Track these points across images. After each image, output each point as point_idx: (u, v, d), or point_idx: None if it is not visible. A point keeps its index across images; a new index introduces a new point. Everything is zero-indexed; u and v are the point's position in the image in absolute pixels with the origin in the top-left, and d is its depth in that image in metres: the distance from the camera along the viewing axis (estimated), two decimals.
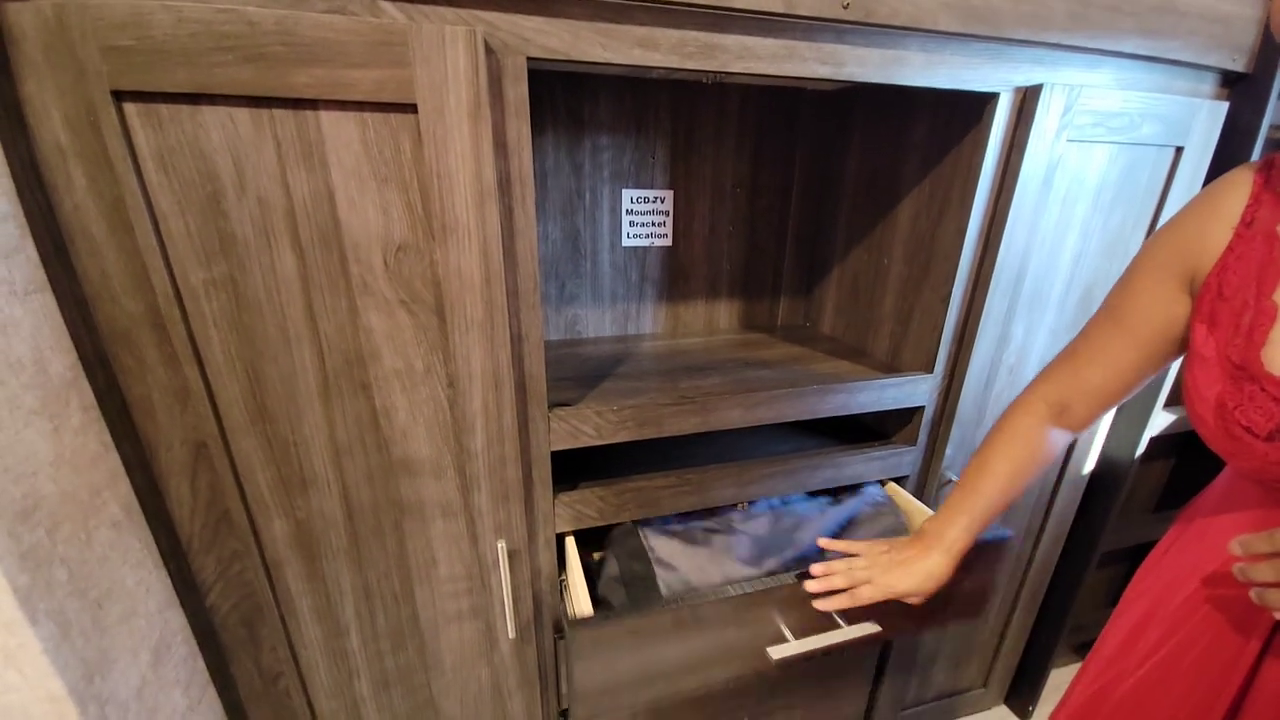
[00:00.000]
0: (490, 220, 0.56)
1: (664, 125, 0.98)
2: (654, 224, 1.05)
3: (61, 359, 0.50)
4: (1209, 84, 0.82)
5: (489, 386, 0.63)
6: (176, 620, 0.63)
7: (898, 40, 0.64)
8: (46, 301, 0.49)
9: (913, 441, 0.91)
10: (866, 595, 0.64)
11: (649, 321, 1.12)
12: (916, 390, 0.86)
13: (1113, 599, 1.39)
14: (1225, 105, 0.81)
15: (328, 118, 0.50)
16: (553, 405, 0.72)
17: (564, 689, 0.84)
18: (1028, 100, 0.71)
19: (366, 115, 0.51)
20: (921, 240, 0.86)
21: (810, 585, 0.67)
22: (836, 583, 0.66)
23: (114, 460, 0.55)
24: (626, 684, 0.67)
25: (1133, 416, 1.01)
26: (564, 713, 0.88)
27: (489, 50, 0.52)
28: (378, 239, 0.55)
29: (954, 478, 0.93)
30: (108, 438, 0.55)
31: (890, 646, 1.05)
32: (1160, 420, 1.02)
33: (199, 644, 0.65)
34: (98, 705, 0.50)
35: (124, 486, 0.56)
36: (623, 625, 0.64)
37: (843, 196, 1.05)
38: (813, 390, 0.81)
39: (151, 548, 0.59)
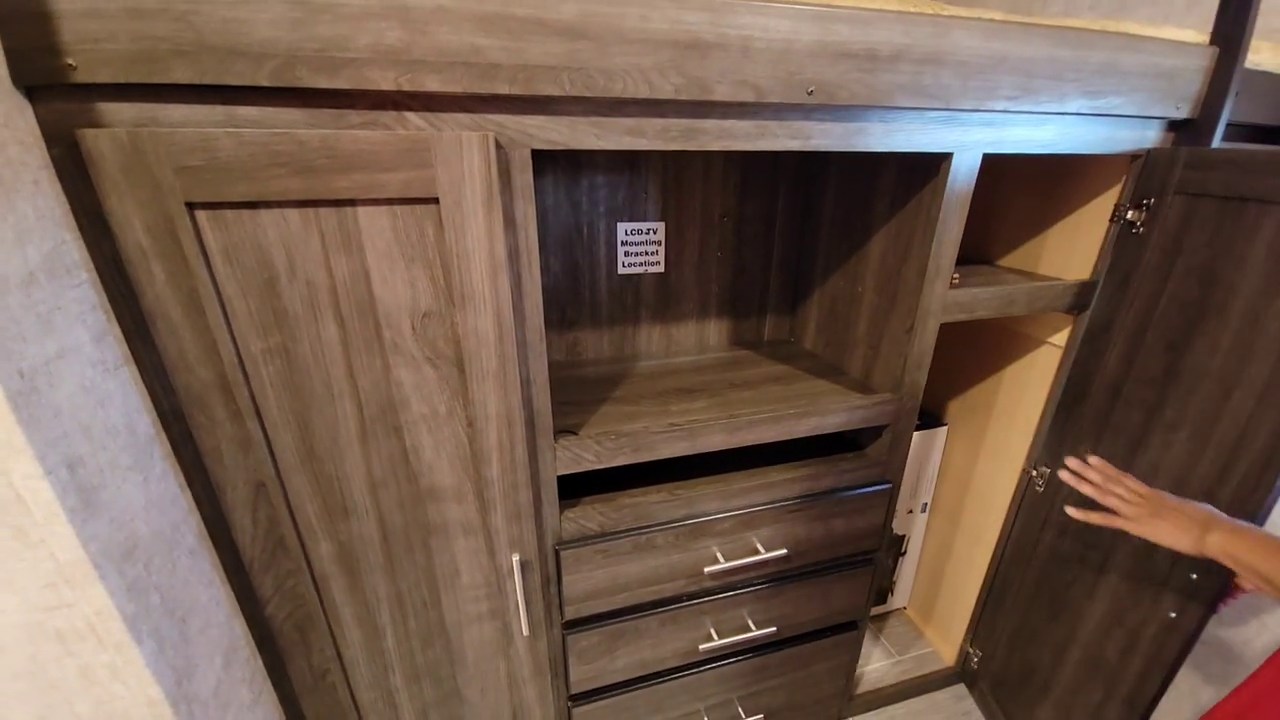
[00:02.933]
0: (502, 287, 0.65)
1: (655, 164, 1.06)
2: (647, 253, 1.14)
3: (145, 420, 0.59)
4: (1154, 130, 0.90)
5: (503, 425, 0.72)
6: (240, 628, 0.73)
7: (858, 114, 0.72)
8: (132, 373, 0.58)
9: (883, 456, 1.01)
10: (1128, 527, 0.69)
11: (644, 342, 1.21)
12: (883, 411, 0.96)
13: None
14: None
15: (364, 212, 0.59)
16: (559, 433, 0.82)
17: (571, 674, 0.96)
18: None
19: (396, 208, 0.59)
20: (890, 274, 0.95)
21: (1088, 472, 0.73)
22: (1111, 501, 0.71)
23: (188, 498, 0.65)
24: (601, 591, 0.91)
25: None
26: (572, 697, 0.99)
27: (499, 146, 0.61)
28: (406, 308, 0.64)
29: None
30: (182, 480, 0.64)
31: None
32: None
33: (258, 647, 0.76)
34: (187, 704, 0.60)
35: (196, 519, 0.66)
36: (594, 546, 0.87)
37: (822, 227, 1.13)
38: (789, 415, 0.90)
39: (219, 569, 0.70)
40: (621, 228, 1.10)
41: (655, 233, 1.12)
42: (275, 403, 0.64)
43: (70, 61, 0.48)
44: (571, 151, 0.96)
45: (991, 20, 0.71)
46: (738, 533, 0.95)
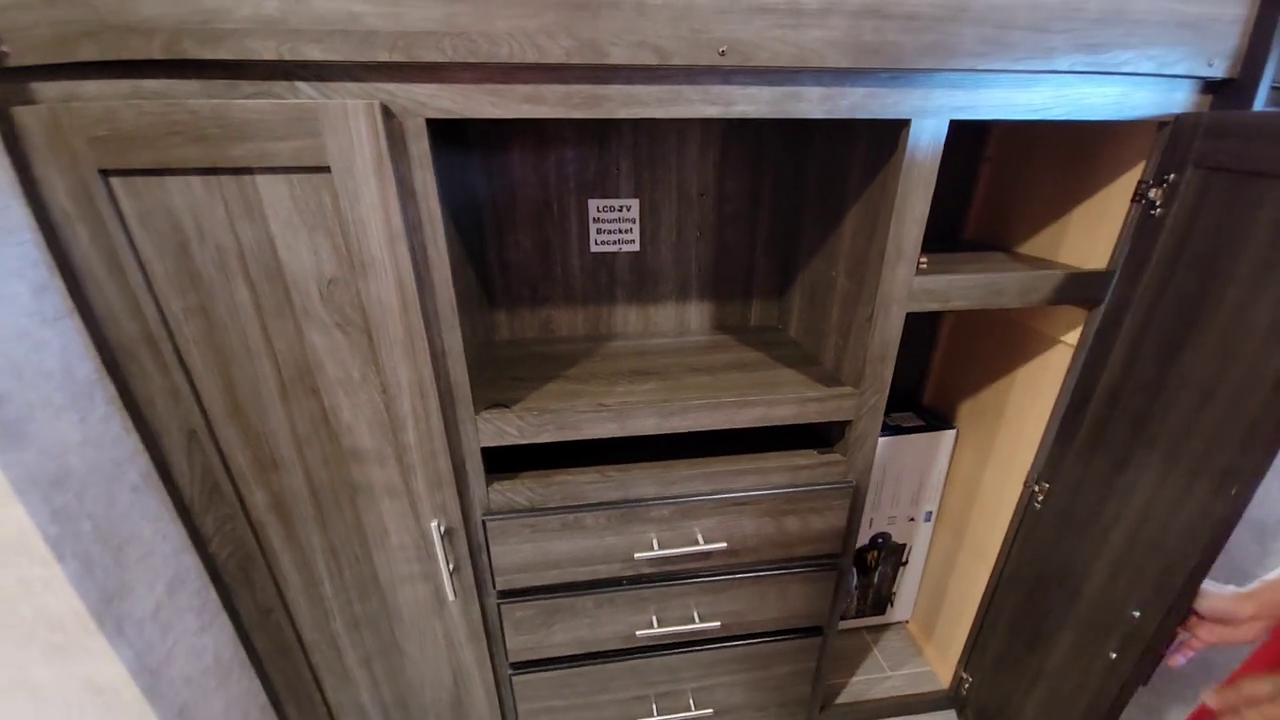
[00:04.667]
0: (402, 256, 0.66)
1: (626, 138, 1.03)
2: (621, 230, 1.11)
3: (86, 366, 0.66)
4: (1184, 92, 0.75)
5: (415, 394, 0.74)
6: (191, 562, 0.81)
7: (787, 78, 0.66)
8: (75, 323, 0.65)
9: (844, 453, 0.94)
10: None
11: (620, 322, 1.19)
12: (842, 405, 0.89)
13: None
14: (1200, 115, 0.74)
15: (262, 180, 0.62)
16: (489, 405, 0.83)
17: (508, 643, 0.98)
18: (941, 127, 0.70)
19: (293, 177, 0.62)
20: (859, 257, 0.87)
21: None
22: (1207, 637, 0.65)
23: (134, 440, 0.72)
24: (531, 565, 0.91)
25: None
26: (512, 665, 1.02)
27: (390, 115, 0.61)
28: (312, 274, 0.67)
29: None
30: (129, 423, 0.72)
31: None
32: None
33: (212, 581, 0.84)
34: (115, 621, 0.68)
35: (143, 460, 0.74)
36: (522, 521, 0.88)
37: (806, 204, 1.05)
38: (729, 402, 0.86)
39: (168, 506, 0.77)
40: (593, 204, 1.08)
41: (629, 210, 1.09)
42: (200, 359, 0.69)
43: (4, 49, 0.53)
44: (495, 122, 0.95)
45: None
46: (676, 521, 0.92)
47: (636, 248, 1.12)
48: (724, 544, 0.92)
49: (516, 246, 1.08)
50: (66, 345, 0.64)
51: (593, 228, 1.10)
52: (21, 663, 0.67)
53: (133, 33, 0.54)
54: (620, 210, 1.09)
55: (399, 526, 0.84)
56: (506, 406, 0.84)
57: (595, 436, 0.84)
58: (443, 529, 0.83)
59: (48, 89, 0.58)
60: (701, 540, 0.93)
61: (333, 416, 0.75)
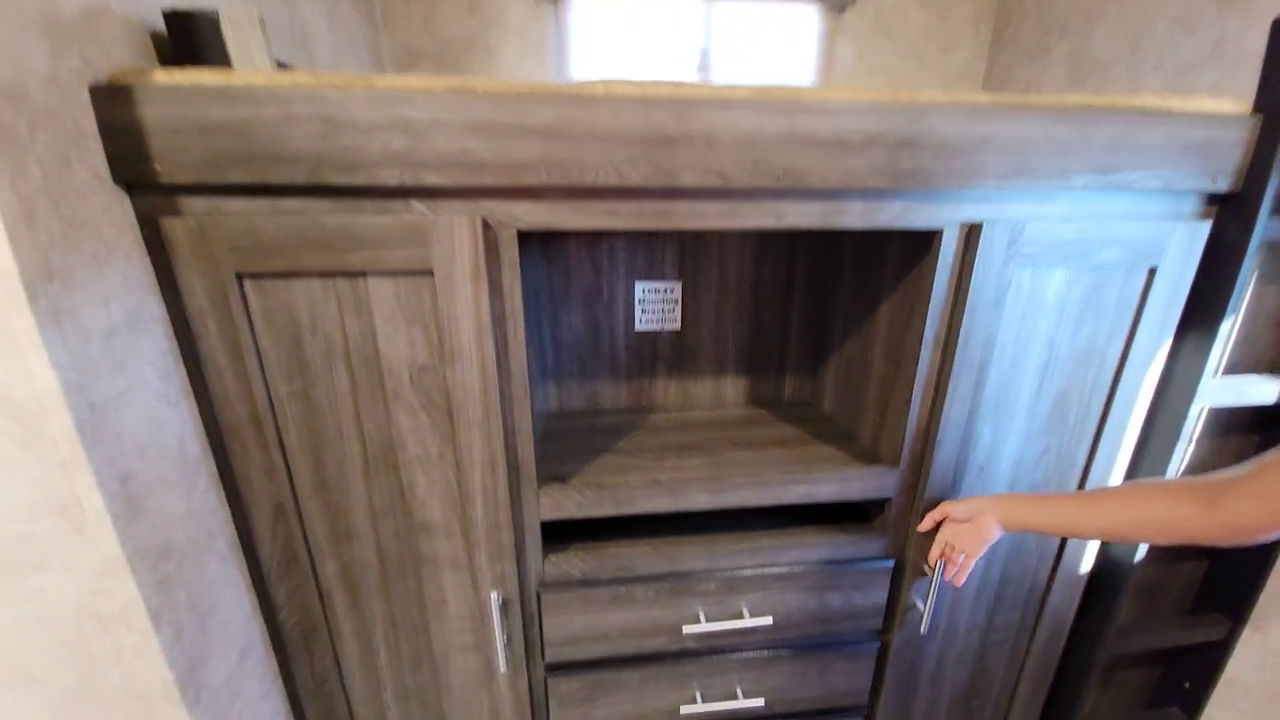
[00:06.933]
0: (486, 347, 0.74)
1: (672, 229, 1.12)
2: (664, 311, 1.19)
3: (195, 444, 0.73)
4: (1189, 204, 0.83)
5: (486, 470, 0.80)
6: (258, 629, 0.84)
7: (835, 194, 0.75)
8: (191, 406, 0.72)
9: (883, 530, 0.97)
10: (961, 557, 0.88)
11: (660, 395, 1.25)
12: (882, 483, 0.93)
13: (1154, 700, 1.31)
14: (1206, 225, 0.82)
15: (373, 281, 0.70)
16: (547, 479, 0.88)
17: (552, 718, 0.98)
18: (972, 234, 0.78)
19: (399, 278, 0.70)
20: (895, 342, 0.94)
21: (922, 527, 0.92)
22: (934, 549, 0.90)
23: (225, 511, 0.78)
24: (581, 637, 0.94)
25: None
26: None
27: (488, 227, 0.70)
28: (405, 362, 0.74)
29: (926, 567, 0.97)
30: (222, 496, 0.77)
31: None
32: None
33: (273, 648, 0.87)
34: (195, 690, 0.71)
35: (230, 530, 0.79)
36: (575, 593, 0.91)
37: (840, 291, 1.13)
38: (776, 480, 0.90)
39: (245, 575, 0.81)
40: (639, 287, 1.16)
41: (672, 292, 1.18)
42: (296, 438, 0.75)
43: (157, 167, 0.63)
44: None
45: (973, 103, 0.72)
46: (722, 595, 0.95)
47: (678, 327, 1.20)
48: (769, 618, 0.94)
49: (569, 325, 1.16)
50: (183, 425, 0.71)
51: (638, 308, 1.18)
52: None
53: (280, 162, 0.64)
54: (664, 292, 1.17)
55: (458, 597, 0.87)
56: (564, 481, 0.89)
57: (650, 511, 0.89)
58: (501, 600, 0.86)
59: (194, 203, 0.67)
60: (747, 614, 0.95)
61: (408, 491, 0.81)
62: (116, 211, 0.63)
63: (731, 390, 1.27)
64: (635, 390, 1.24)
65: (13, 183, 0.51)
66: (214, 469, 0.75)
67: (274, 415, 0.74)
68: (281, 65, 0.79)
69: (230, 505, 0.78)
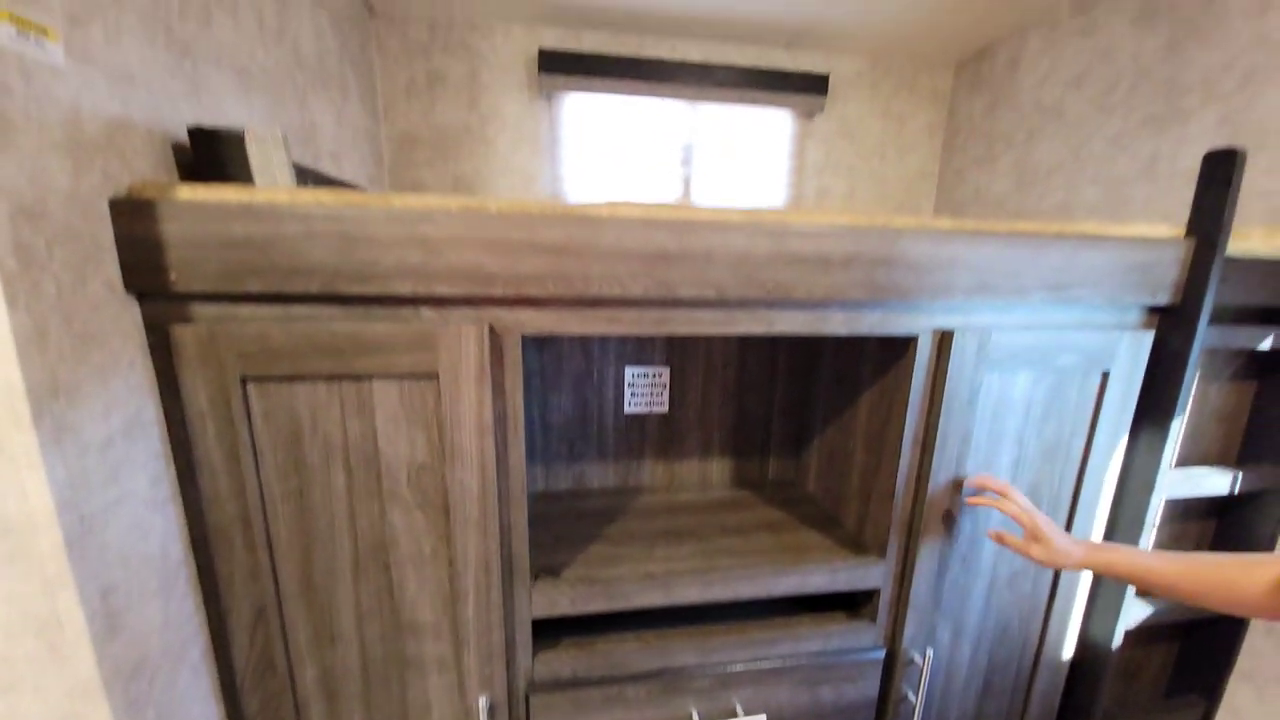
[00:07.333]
0: (487, 447, 0.75)
1: None
2: (653, 394, 1.22)
3: (178, 547, 0.70)
4: (1134, 315, 0.92)
5: (480, 568, 0.79)
6: None
7: (818, 305, 0.81)
8: (177, 508, 0.70)
9: (873, 620, 0.98)
10: (1028, 521, 0.82)
11: (648, 476, 1.26)
12: (869, 574, 0.95)
13: None
14: (1150, 334, 0.90)
15: (378, 385, 0.71)
16: (539, 571, 0.87)
17: None
18: (944, 340, 0.84)
19: (404, 382, 0.71)
20: (876, 435, 0.98)
21: (981, 480, 0.88)
22: (1010, 508, 0.84)
23: (201, 616, 0.74)
24: None
25: (1107, 603, 1.03)
26: None
27: (494, 333, 0.73)
28: (404, 461, 0.74)
29: (916, 657, 0.98)
30: (199, 601, 0.74)
31: None
32: (1136, 612, 1.03)
33: None
34: None
35: (204, 638, 0.75)
36: (565, 695, 0.88)
37: (820, 380, 1.19)
38: (767, 572, 0.91)
39: (216, 686, 0.77)
40: (629, 371, 1.20)
41: (660, 376, 1.21)
42: (285, 537, 0.74)
43: (173, 276, 0.64)
44: None
45: (937, 229, 0.79)
46: (715, 692, 0.93)
47: (666, 409, 1.23)
48: (763, 716, 0.93)
49: (559, 408, 1.17)
50: (167, 529, 0.69)
51: (627, 391, 1.20)
52: None
53: (296, 273, 0.66)
54: (653, 376, 1.21)
55: (444, 702, 0.84)
56: (556, 574, 0.88)
57: (643, 606, 0.88)
58: (489, 705, 0.83)
59: (205, 310, 0.68)
60: (741, 711, 0.93)
61: (398, 590, 0.79)
62: (125, 319, 0.63)
63: (718, 471, 1.29)
64: (623, 471, 1.25)
65: (28, 304, 0.52)
66: (194, 572, 0.73)
67: (265, 515, 0.72)
68: (297, 167, 0.83)
69: (207, 609, 0.74)
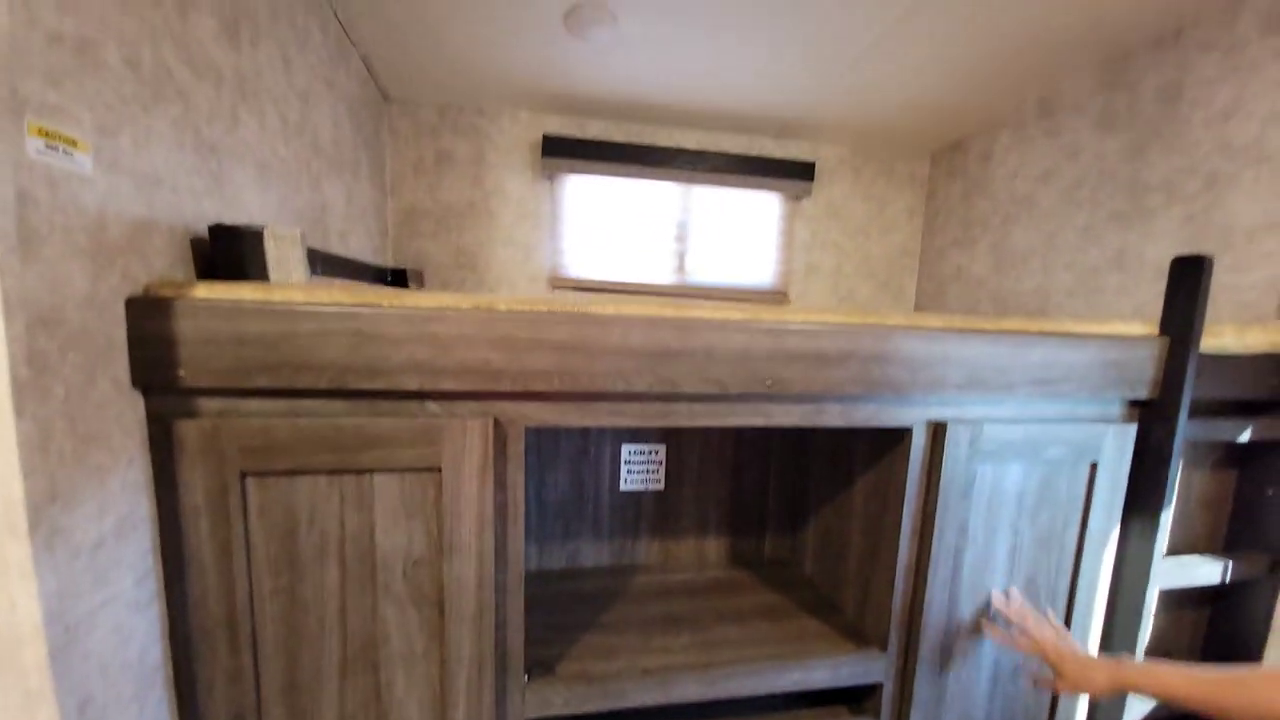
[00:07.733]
0: (486, 539, 0.74)
1: None
2: (649, 472, 1.22)
3: (156, 651, 0.67)
4: (1116, 409, 0.95)
5: (473, 668, 0.76)
6: None
7: (815, 399, 0.83)
8: (160, 609, 0.68)
9: (875, 716, 0.95)
10: (1048, 653, 0.82)
11: (643, 554, 1.24)
12: (872, 669, 0.93)
13: None
14: (1133, 427, 0.93)
15: (379, 478, 0.71)
16: (533, 666, 0.84)
17: None
18: (938, 431, 0.86)
19: (406, 475, 0.71)
20: (873, 522, 0.98)
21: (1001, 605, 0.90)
22: (1025, 644, 0.85)
23: None
24: None
25: (1112, 701, 1.01)
26: None
27: (498, 425, 0.73)
28: (401, 555, 0.73)
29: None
30: (174, 707, 0.70)
31: None
32: (1141, 709, 1.01)
33: None
34: None
35: None
36: None
37: (815, 459, 1.20)
38: (769, 668, 0.89)
39: None
40: (626, 449, 1.20)
41: (657, 454, 1.22)
42: (272, 637, 0.71)
43: (182, 373, 0.65)
44: None
45: (928, 326, 0.83)
46: None
47: (661, 487, 1.22)
48: None
49: (555, 486, 1.17)
50: (148, 632, 0.66)
51: (624, 469, 1.20)
52: None
53: (306, 369, 0.67)
54: (650, 454, 1.21)
55: None
56: (550, 669, 0.85)
57: (640, 705, 0.85)
58: None
59: (210, 404, 0.68)
60: None
61: (385, 691, 0.75)
62: (128, 416, 0.63)
63: (714, 549, 1.27)
64: (618, 549, 1.23)
65: (35, 411, 0.52)
66: (170, 675, 0.69)
67: (252, 614, 0.70)
68: (308, 251, 0.85)
69: (181, 715, 0.70)
